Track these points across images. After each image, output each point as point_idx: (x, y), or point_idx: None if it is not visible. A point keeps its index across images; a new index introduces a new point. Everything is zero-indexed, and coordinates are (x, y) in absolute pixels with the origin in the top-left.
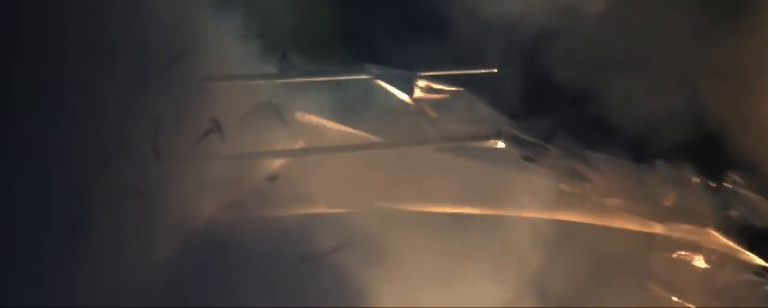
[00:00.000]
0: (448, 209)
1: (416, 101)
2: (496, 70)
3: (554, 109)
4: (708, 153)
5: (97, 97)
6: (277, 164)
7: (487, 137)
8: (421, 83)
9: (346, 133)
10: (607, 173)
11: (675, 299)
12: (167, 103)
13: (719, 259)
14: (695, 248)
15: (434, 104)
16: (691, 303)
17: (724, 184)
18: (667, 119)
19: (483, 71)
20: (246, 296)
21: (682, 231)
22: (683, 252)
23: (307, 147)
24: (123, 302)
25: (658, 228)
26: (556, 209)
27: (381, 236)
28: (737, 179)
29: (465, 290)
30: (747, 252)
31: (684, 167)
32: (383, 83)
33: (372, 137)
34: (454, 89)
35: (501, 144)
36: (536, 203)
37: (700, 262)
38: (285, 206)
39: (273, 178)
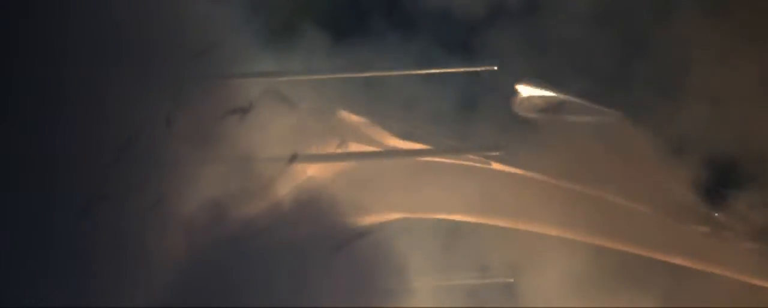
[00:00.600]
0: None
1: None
2: (495, 68)
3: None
4: None
5: (106, 94)
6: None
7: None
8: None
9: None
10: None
11: None
12: (190, 96)
13: None
14: None
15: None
16: None
17: None
18: None
19: (482, 69)
20: (282, 287)
21: None
22: None
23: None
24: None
25: None
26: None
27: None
28: None
29: None
30: None
31: None
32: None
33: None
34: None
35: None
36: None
37: None
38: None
39: (293, 158)
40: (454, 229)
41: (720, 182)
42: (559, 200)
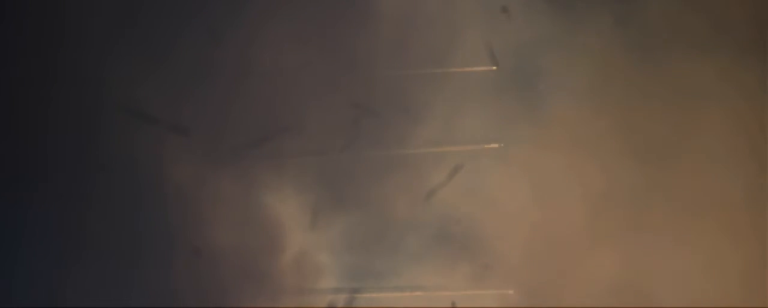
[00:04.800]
0: None
1: None
2: (495, 68)
3: None
4: None
5: None
6: None
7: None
8: None
9: None
10: None
11: None
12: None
13: None
14: None
15: None
16: None
17: None
18: None
19: (481, 69)
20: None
21: None
22: None
23: None
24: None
25: None
26: None
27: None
28: None
29: None
30: None
31: None
32: None
33: None
34: None
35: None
36: None
37: None
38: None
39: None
40: None
41: None
42: None
